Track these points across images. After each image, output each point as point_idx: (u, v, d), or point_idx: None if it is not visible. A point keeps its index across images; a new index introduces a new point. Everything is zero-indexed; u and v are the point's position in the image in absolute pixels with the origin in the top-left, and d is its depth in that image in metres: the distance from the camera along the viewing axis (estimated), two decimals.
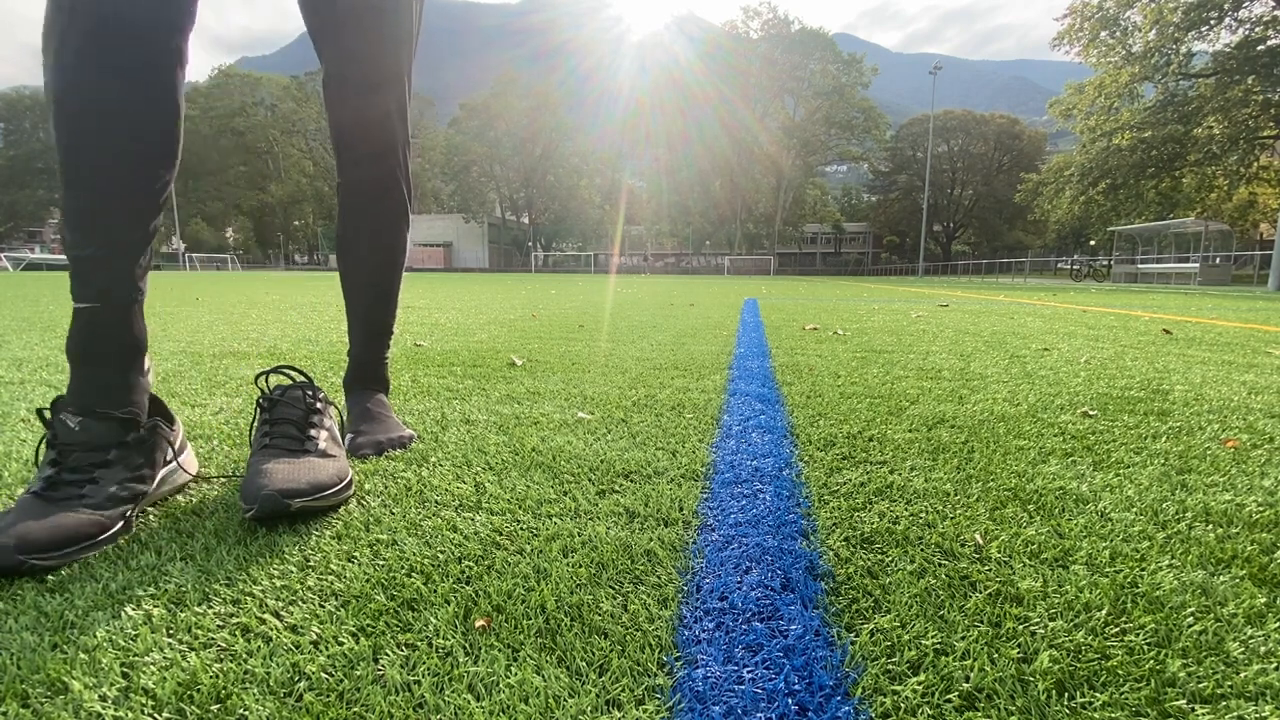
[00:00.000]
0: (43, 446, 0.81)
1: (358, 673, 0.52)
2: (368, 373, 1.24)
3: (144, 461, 0.84)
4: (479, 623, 0.60)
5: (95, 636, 0.57)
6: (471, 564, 0.71)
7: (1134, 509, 0.89)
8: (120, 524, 0.77)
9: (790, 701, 0.50)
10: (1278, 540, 0.78)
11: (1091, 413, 1.45)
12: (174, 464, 0.91)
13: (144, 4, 0.81)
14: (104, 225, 0.84)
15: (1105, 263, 26.21)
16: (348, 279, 1.22)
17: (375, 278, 1.21)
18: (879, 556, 0.74)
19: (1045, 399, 1.61)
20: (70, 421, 0.80)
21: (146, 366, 0.91)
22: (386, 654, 0.55)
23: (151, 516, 0.83)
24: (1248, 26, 21.56)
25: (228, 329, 3.17)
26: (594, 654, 0.55)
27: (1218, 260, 19.33)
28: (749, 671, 0.53)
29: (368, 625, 0.59)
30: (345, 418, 1.21)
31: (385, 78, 1.09)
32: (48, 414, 0.81)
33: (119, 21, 0.80)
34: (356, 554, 0.73)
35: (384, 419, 1.18)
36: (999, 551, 0.75)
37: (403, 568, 0.70)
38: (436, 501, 0.89)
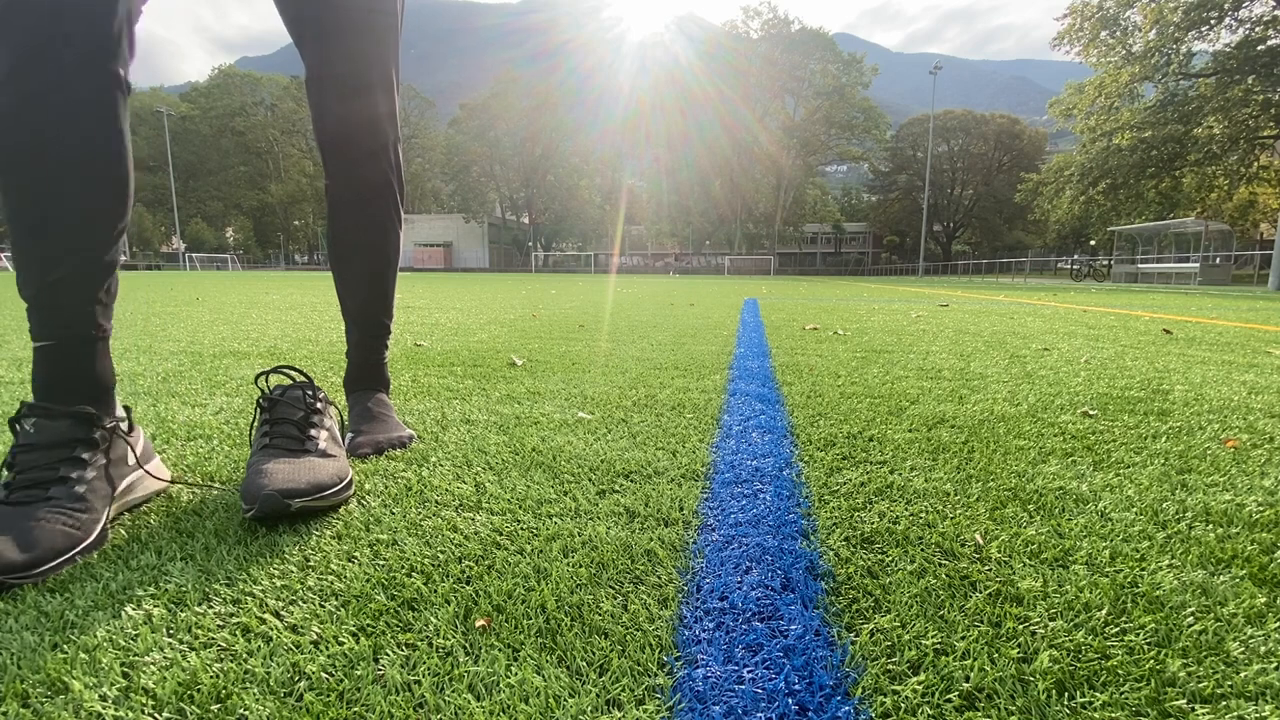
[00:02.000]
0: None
1: (358, 673, 0.52)
2: (366, 373, 1.24)
3: (108, 462, 0.81)
4: (479, 623, 0.60)
5: (95, 636, 0.57)
6: (472, 564, 0.71)
7: (1134, 509, 0.89)
8: (97, 533, 0.74)
9: (790, 701, 0.50)
10: (1278, 540, 0.78)
11: (1091, 413, 1.45)
12: (140, 471, 0.87)
13: (83, 15, 0.75)
14: (54, 271, 0.80)
15: (1105, 263, 26.21)
16: (343, 282, 1.21)
17: (371, 279, 1.21)
18: (879, 556, 0.74)
19: (1045, 399, 1.61)
20: (26, 424, 0.78)
21: (114, 404, 0.87)
22: (387, 654, 0.55)
23: (152, 517, 0.83)
24: (1248, 26, 21.56)
25: (228, 329, 3.17)
26: (594, 654, 0.55)
27: (1218, 260, 19.33)
28: (749, 671, 0.53)
29: (368, 625, 0.59)
30: (345, 418, 1.21)
31: (376, 78, 1.08)
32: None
33: (57, 26, 0.74)
34: (357, 554, 0.73)
35: (384, 419, 1.18)
36: (999, 551, 0.75)
37: (403, 568, 0.70)
38: (437, 501, 0.89)
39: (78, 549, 0.71)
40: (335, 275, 1.21)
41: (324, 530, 0.79)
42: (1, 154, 0.77)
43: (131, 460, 0.86)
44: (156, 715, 0.48)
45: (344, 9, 1.03)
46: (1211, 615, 0.61)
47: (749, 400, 1.58)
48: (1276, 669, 0.54)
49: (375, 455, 1.09)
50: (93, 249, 0.83)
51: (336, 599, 0.64)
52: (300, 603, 0.63)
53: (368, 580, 0.67)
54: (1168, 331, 3.43)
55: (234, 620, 0.60)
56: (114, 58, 0.79)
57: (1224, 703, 0.50)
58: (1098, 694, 0.51)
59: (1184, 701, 0.50)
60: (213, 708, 0.48)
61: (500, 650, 0.55)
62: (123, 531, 0.79)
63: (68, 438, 0.78)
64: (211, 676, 0.52)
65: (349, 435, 1.13)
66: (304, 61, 1.06)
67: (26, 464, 0.76)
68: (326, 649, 0.56)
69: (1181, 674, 0.53)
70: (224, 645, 0.56)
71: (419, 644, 0.56)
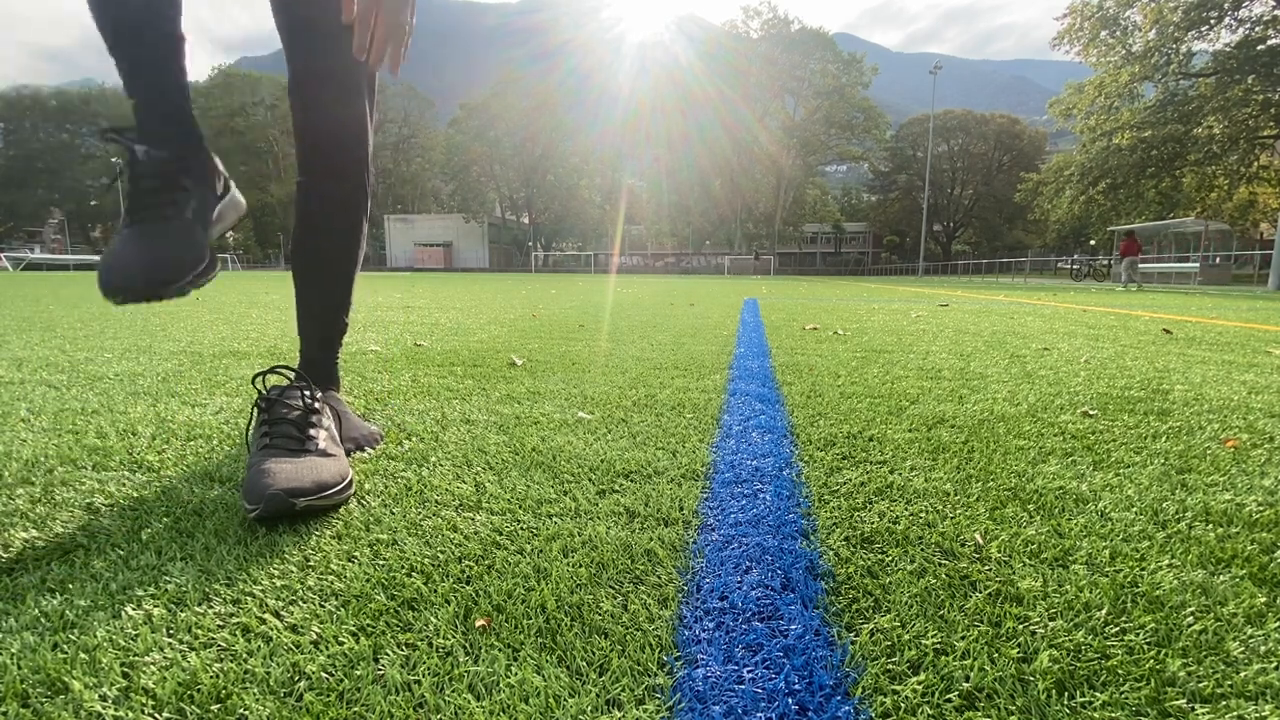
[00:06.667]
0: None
1: (358, 672, 0.52)
2: (320, 372, 1.23)
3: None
4: (479, 622, 0.60)
5: (95, 636, 0.57)
6: (471, 564, 0.71)
7: (1134, 509, 0.89)
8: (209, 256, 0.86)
9: (790, 701, 0.50)
10: (1278, 540, 0.78)
11: (1091, 412, 1.45)
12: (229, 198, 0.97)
13: None
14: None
15: (1105, 262, 26.21)
16: (313, 282, 1.20)
17: (342, 280, 1.21)
18: (879, 556, 0.74)
19: (1045, 399, 1.60)
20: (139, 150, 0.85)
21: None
22: (387, 654, 0.55)
23: (152, 517, 0.83)
24: (1248, 26, 21.57)
25: (228, 329, 3.17)
26: (594, 654, 0.55)
27: (1218, 260, 19.34)
28: (749, 671, 0.53)
29: (368, 625, 0.59)
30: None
31: (365, 81, 1.09)
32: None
33: None
34: (357, 554, 0.73)
35: (347, 417, 1.19)
36: (999, 551, 0.75)
37: (403, 567, 0.70)
38: (437, 501, 0.89)
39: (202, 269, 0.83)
40: (302, 276, 1.20)
41: (324, 530, 0.79)
42: None
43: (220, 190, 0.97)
44: (156, 715, 0.48)
45: (335, 14, 1.04)
46: (1211, 615, 0.61)
47: (749, 400, 1.58)
48: (1276, 669, 0.54)
49: (357, 451, 1.10)
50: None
51: (336, 599, 0.64)
52: (300, 603, 0.63)
53: (368, 580, 0.67)
54: (1168, 331, 3.43)
55: (234, 620, 0.60)
56: None
57: (1224, 703, 0.50)
58: (1098, 694, 0.51)
59: (1184, 701, 0.50)
60: (213, 708, 0.48)
61: (500, 650, 0.55)
62: (123, 530, 0.79)
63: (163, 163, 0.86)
64: (211, 676, 0.52)
65: None
66: (293, 63, 1.07)
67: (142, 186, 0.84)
68: (326, 649, 0.56)
69: (1181, 674, 0.53)
70: (224, 645, 0.56)
71: (419, 644, 0.56)
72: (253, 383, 1.06)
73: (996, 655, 0.55)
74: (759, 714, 0.48)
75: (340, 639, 0.57)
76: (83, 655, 0.54)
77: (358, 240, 1.20)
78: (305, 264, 1.20)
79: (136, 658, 0.54)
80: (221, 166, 0.99)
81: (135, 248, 0.81)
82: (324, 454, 0.91)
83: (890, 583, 0.68)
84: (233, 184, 1.03)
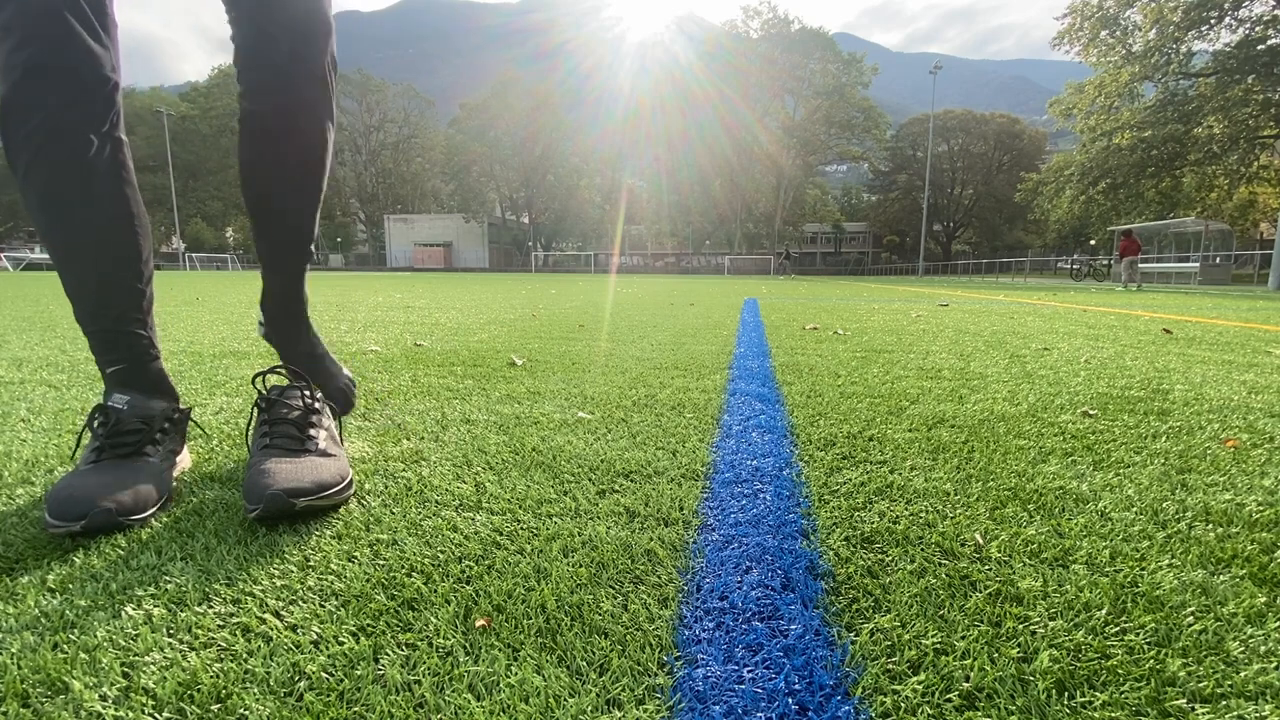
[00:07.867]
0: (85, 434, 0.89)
1: (358, 672, 0.52)
2: (296, 308, 1.21)
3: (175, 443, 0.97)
4: (479, 622, 0.60)
5: (95, 636, 0.57)
6: (472, 564, 0.71)
7: (1134, 508, 0.89)
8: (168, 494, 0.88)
9: (790, 701, 0.50)
10: (1278, 540, 0.78)
11: (1091, 412, 1.45)
12: (183, 453, 1.01)
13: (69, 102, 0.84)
14: (111, 309, 0.93)
15: (1105, 262, 26.20)
16: (275, 223, 1.12)
17: (303, 198, 1.11)
18: (879, 556, 0.74)
19: (1045, 399, 1.60)
20: (118, 399, 0.92)
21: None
22: (387, 654, 0.55)
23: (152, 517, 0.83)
24: (1248, 26, 21.58)
25: (228, 329, 3.17)
26: (594, 654, 0.55)
27: (1218, 260, 19.35)
28: (749, 671, 0.53)
29: (368, 625, 0.59)
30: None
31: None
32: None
33: (49, 132, 0.84)
34: (357, 554, 0.73)
35: (325, 364, 1.25)
36: (999, 551, 0.75)
37: (403, 567, 0.70)
38: (437, 501, 0.89)
39: (161, 502, 0.85)
40: (265, 214, 1.10)
41: (324, 530, 0.79)
42: (48, 235, 0.89)
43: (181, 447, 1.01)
44: (156, 715, 0.48)
45: None
46: (1211, 615, 0.61)
47: (749, 400, 1.58)
48: (1276, 669, 0.54)
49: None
50: (137, 286, 0.96)
51: (336, 599, 0.64)
52: (300, 603, 0.63)
53: (368, 580, 0.67)
54: (1168, 331, 3.43)
55: (234, 620, 0.60)
56: (116, 126, 0.91)
57: (1224, 702, 0.50)
58: (1098, 694, 0.51)
59: (1184, 701, 0.50)
60: (213, 708, 0.48)
61: (500, 650, 0.55)
62: (123, 531, 0.79)
63: (157, 414, 0.93)
64: (211, 676, 0.52)
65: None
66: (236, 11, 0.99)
67: (122, 428, 0.88)
68: (326, 649, 0.56)
69: (1181, 674, 0.53)
70: (224, 645, 0.56)
71: (419, 644, 0.56)
72: (253, 383, 1.06)
73: (996, 655, 0.55)
74: (759, 714, 0.48)
75: (340, 639, 0.57)
76: (83, 655, 0.54)
77: (324, 164, 1.09)
78: (266, 202, 1.10)
79: (136, 658, 0.54)
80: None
81: (103, 477, 0.81)
82: (324, 454, 0.91)
83: (890, 583, 0.68)
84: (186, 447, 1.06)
